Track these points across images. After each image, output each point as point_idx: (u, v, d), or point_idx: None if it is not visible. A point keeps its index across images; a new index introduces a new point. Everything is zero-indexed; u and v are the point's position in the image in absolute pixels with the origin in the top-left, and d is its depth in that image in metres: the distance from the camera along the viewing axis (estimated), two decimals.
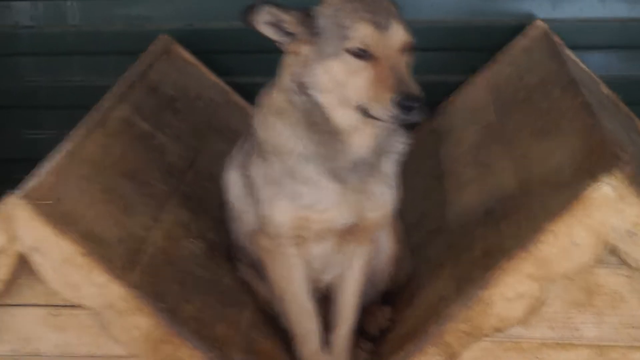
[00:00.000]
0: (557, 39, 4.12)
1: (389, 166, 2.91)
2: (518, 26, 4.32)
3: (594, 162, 2.72)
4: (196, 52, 4.40)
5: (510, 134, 3.49)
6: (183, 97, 4.00)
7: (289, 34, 2.71)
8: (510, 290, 2.66)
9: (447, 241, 3.25)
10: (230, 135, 3.98)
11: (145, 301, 2.64)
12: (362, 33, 2.61)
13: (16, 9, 4.54)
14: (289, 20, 2.69)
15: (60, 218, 2.61)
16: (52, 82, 4.63)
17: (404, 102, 2.52)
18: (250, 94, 4.23)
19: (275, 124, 2.82)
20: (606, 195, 2.54)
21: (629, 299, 2.72)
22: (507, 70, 4.11)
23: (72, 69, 4.62)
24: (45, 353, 2.78)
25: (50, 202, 2.63)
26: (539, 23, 4.26)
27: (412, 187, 3.14)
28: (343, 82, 2.64)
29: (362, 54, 2.60)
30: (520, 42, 4.23)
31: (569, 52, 4.10)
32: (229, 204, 3.12)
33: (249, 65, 4.55)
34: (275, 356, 3.01)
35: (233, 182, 3.08)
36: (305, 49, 2.70)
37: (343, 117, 2.72)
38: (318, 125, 2.75)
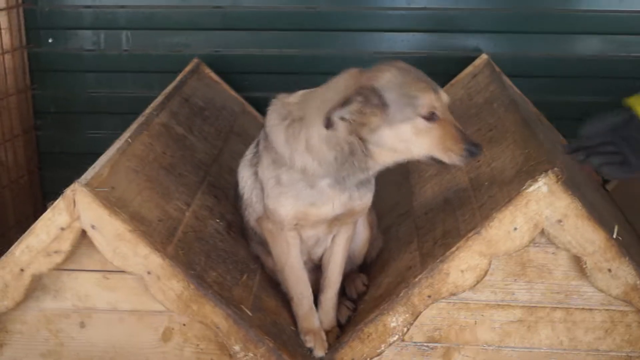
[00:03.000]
0: (497, 68, 4.01)
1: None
2: (468, 57, 4.21)
3: (532, 165, 2.65)
4: (219, 72, 4.29)
5: None
6: (211, 107, 3.85)
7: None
8: (464, 263, 2.57)
9: (414, 223, 3.12)
10: (246, 138, 3.83)
11: (178, 269, 2.52)
12: (429, 100, 2.47)
13: (82, 36, 4.44)
14: (355, 108, 2.46)
15: (113, 202, 2.49)
16: (109, 94, 4.53)
17: (473, 150, 2.48)
18: (260, 105, 4.17)
19: (304, 155, 2.62)
20: (541, 191, 2.47)
21: (554, 271, 2.64)
22: (460, 91, 3.98)
23: (125, 83, 4.52)
24: (99, 308, 2.67)
25: (106, 189, 2.52)
26: (484, 55, 4.14)
27: (386, 181, 3.03)
28: (412, 141, 2.50)
29: (431, 117, 2.47)
30: (469, 70, 4.11)
31: (505, 78, 4.00)
32: (242, 195, 2.95)
33: (259, 83, 4.44)
34: (278, 312, 2.89)
35: (246, 178, 2.91)
36: (374, 119, 2.48)
37: (386, 160, 2.60)
38: (348, 163, 2.59)
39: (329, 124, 2.47)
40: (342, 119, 2.47)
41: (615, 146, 2.37)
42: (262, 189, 2.79)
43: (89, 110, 4.56)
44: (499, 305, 2.69)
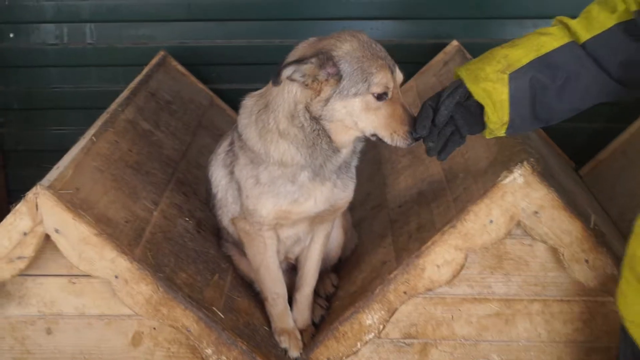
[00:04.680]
0: (468, 55, 3.93)
1: (354, 162, 2.72)
2: (439, 44, 4.13)
3: (507, 155, 2.60)
4: (187, 64, 4.19)
5: None
6: (178, 101, 3.75)
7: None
8: (440, 258, 2.53)
9: (387, 216, 3.07)
10: (215, 132, 3.77)
11: (147, 272, 2.45)
12: (385, 79, 2.38)
13: (44, 30, 4.33)
14: (309, 70, 2.37)
15: (77, 204, 2.42)
16: (74, 89, 4.42)
17: (417, 134, 2.36)
18: (230, 98, 4.20)
19: (280, 143, 2.54)
20: (517, 182, 2.43)
21: (530, 263, 2.61)
22: (431, 79, 3.91)
23: (90, 78, 4.40)
24: (66, 313, 2.59)
25: (70, 191, 2.43)
26: (455, 42, 4.05)
27: (359, 171, 2.91)
28: (360, 116, 2.41)
29: (382, 96, 2.39)
30: (440, 57, 4.03)
31: None
32: (215, 195, 2.86)
33: (228, 75, 4.36)
34: (251, 312, 2.83)
35: (220, 178, 2.82)
36: (327, 89, 2.40)
37: (345, 138, 2.51)
38: (318, 144, 2.51)
39: (276, 80, 2.36)
40: (292, 77, 2.38)
41: (452, 120, 2.35)
42: (239, 189, 2.70)
43: (53, 106, 4.46)
44: (475, 299, 2.65)
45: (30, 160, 4.46)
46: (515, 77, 2.28)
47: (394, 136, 2.40)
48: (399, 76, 2.46)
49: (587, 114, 4.37)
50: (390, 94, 2.40)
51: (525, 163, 2.42)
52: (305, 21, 4.27)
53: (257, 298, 2.89)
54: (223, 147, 2.84)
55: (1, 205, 4.45)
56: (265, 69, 4.19)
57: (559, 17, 2.35)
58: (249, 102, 2.68)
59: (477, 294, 2.64)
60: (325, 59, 2.37)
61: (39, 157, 4.22)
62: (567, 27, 2.30)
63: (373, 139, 2.47)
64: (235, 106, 4.06)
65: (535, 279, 2.62)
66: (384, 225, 3.03)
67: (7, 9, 4.28)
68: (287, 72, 2.36)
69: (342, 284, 3.04)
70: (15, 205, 2.42)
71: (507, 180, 2.43)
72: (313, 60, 2.36)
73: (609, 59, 2.24)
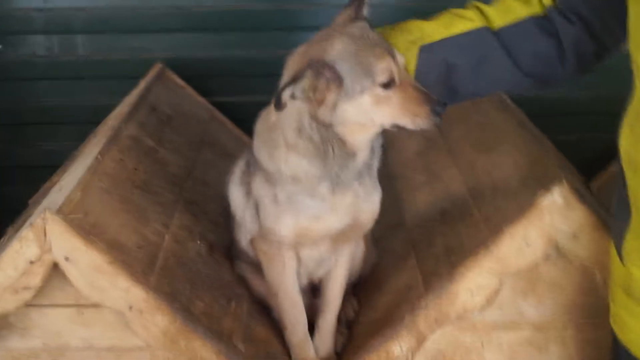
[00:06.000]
0: None
1: (376, 164, 2.57)
2: None
3: (540, 172, 2.50)
4: (184, 77, 4.06)
5: (452, 145, 3.17)
6: (179, 115, 3.59)
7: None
8: (473, 283, 2.38)
9: (408, 236, 2.93)
10: (218, 147, 3.63)
11: (163, 302, 2.29)
12: (387, 66, 2.22)
13: (34, 41, 4.21)
14: (307, 84, 2.21)
15: (88, 230, 2.25)
16: (65, 102, 4.29)
17: (439, 109, 2.22)
18: (229, 111, 4.10)
19: (289, 159, 2.41)
20: (556, 202, 2.29)
21: (565, 287, 2.47)
22: None
23: (81, 91, 4.28)
24: (72, 346, 2.41)
25: (79, 215, 2.27)
26: None
27: None
28: (373, 112, 2.27)
29: (390, 84, 2.24)
30: None
31: None
32: (232, 214, 2.73)
33: (227, 88, 4.26)
34: (270, 341, 2.67)
35: (236, 197, 2.69)
36: (331, 95, 2.25)
37: (362, 138, 2.37)
38: (329, 152, 2.37)
39: (279, 105, 2.20)
40: (294, 97, 2.21)
41: None
42: (257, 208, 2.58)
43: (43, 121, 4.32)
44: (507, 325, 2.51)
45: (19, 177, 4.33)
46: (425, 50, 2.29)
47: (416, 120, 2.25)
48: (401, 59, 2.30)
49: (590, 124, 4.29)
50: (397, 80, 2.26)
51: (564, 182, 2.29)
52: (307, 31, 4.11)
53: (275, 325, 2.75)
54: (239, 166, 2.72)
55: None
56: (266, 81, 4.10)
57: (473, 2, 2.33)
58: (259, 125, 2.56)
59: (508, 319, 2.50)
60: (319, 66, 2.21)
61: (28, 174, 4.10)
62: (481, 12, 2.28)
63: (394, 129, 2.33)
64: (235, 119, 3.97)
65: (569, 303, 2.48)
66: (405, 246, 2.90)
67: None
68: (286, 95, 2.20)
69: (363, 310, 2.89)
70: (11, 227, 2.31)
71: (546, 200, 2.29)
72: (307, 73, 2.20)
73: (521, 49, 2.25)
